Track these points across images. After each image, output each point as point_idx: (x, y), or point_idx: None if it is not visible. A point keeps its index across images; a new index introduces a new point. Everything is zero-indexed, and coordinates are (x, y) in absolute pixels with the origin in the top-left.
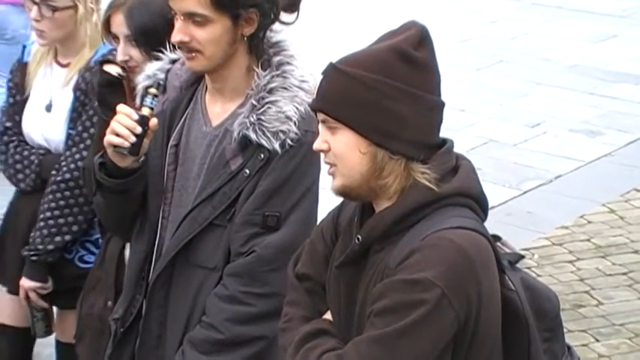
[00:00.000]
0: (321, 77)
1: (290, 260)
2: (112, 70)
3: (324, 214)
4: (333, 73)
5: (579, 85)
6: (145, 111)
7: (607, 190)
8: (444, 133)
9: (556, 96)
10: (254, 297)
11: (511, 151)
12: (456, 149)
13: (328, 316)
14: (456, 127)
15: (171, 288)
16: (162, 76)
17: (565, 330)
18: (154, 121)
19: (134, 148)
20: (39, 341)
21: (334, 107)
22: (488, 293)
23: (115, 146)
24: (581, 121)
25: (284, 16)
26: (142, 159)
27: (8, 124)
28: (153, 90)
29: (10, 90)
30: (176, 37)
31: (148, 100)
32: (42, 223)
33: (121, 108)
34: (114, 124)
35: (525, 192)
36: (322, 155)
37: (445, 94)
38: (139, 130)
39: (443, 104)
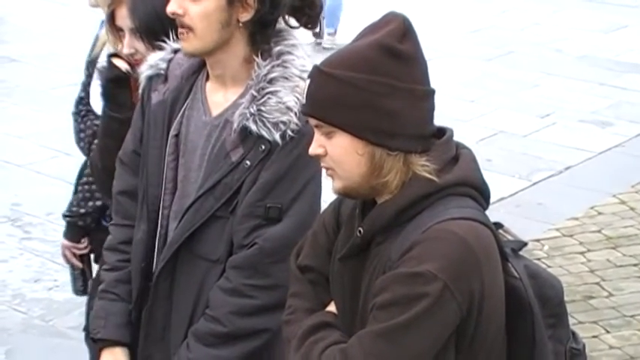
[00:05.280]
0: (308, 81)
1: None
2: (121, 65)
3: (327, 204)
4: (320, 76)
5: (589, 76)
6: None
7: (617, 181)
8: (453, 124)
9: (566, 86)
10: (257, 289)
11: (521, 142)
12: (466, 140)
13: (332, 307)
14: (466, 118)
15: (175, 280)
16: (164, 65)
17: (575, 321)
18: None
19: None
20: None
21: (326, 112)
22: (491, 283)
23: None
24: (592, 111)
25: (291, 20)
26: None
27: (82, 95)
28: None
29: (88, 63)
30: (171, 7)
31: None
32: (79, 187)
33: None
34: None
35: (535, 183)
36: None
37: (455, 85)
38: None
39: (433, 92)
